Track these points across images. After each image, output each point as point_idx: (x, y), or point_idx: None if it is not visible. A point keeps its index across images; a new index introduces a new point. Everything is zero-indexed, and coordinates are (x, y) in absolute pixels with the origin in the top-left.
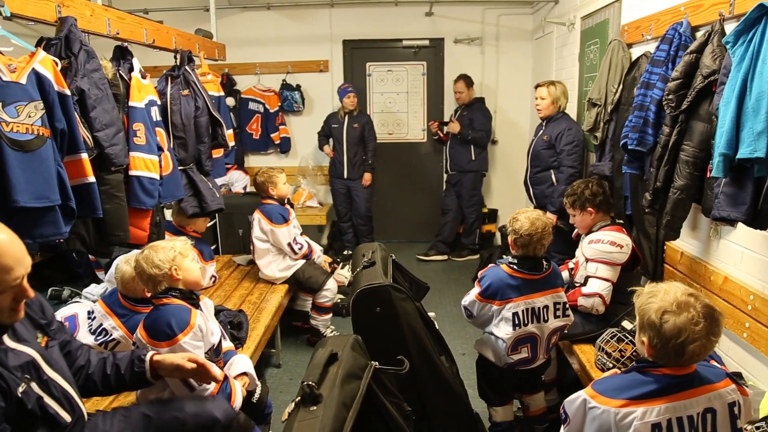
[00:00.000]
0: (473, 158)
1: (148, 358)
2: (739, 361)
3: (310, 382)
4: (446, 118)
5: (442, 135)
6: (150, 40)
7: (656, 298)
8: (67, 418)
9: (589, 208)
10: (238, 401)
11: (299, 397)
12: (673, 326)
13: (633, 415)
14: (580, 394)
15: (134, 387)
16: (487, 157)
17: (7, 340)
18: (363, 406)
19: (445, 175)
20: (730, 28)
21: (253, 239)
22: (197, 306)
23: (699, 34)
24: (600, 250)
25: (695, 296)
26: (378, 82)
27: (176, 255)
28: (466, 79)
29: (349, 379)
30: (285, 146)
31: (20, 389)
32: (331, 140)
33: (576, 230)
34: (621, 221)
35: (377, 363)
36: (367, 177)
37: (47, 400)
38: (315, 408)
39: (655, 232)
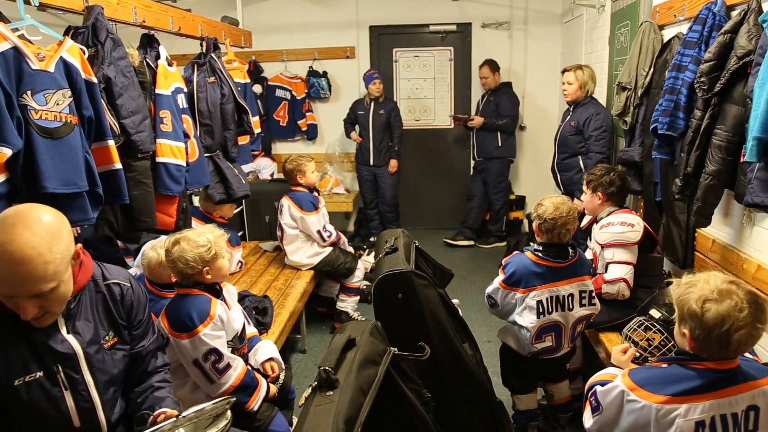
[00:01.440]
0: (500, 144)
1: (158, 411)
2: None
3: (327, 367)
4: (473, 104)
5: (465, 124)
6: (176, 28)
7: (695, 287)
8: (77, 423)
9: (600, 193)
10: (261, 396)
11: (316, 382)
12: (716, 314)
13: (676, 412)
14: (618, 385)
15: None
16: (515, 144)
17: (62, 328)
18: (382, 392)
19: (472, 162)
20: (767, 6)
21: (283, 225)
22: (219, 295)
23: (734, 14)
24: (612, 233)
25: (737, 283)
26: (405, 68)
27: (211, 256)
28: (491, 64)
29: (367, 365)
30: (312, 133)
31: (25, 378)
32: (357, 127)
33: (585, 220)
34: (627, 205)
35: (396, 349)
36: (393, 164)
37: (66, 396)
38: (331, 393)
39: (686, 219)
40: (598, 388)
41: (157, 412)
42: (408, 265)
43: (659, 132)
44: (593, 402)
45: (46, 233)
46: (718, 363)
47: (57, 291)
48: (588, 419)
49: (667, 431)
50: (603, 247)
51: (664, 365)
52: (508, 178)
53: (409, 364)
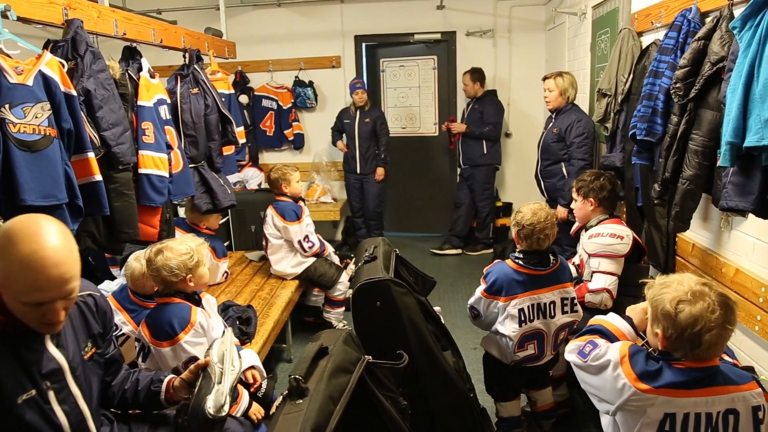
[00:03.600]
0: (485, 152)
1: (166, 380)
2: (752, 355)
3: (297, 376)
4: (459, 112)
5: (453, 137)
6: (158, 40)
7: (669, 288)
8: None
9: (591, 199)
10: (242, 406)
11: (287, 391)
12: (689, 315)
13: (651, 401)
14: (625, 382)
15: (147, 407)
16: (500, 151)
17: (48, 344)
18: (357, 400)
19: (458, 169)
20: (739, 13)
21: (267, 235)
22: (198, 304)
23: (708, 20)
24: (600, 244)
25: (709, 285)
26: (391, 77)
27: (194, 263)
28: (472, 73)
29: (339, 373)
30: (299, 142)
31: (23, 397)
32: (344, 135)
33: (574, 227)
34: (618, 215)
35: (371, 357)
36: (380, 172)
37: (57, 411)
38: (301, 401)
39: (666, 224)
40: (598, 346)
41: (192, 366)
42: (386, 274)
43: (638, 138)
44: (584, 351)
45: (63, 235)
46: (696, 362)
47: (76, 290)
48: (571, 354)
49: (634, 414)
50: (590, 256)
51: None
52: (494, 185)
53: (385, 372)
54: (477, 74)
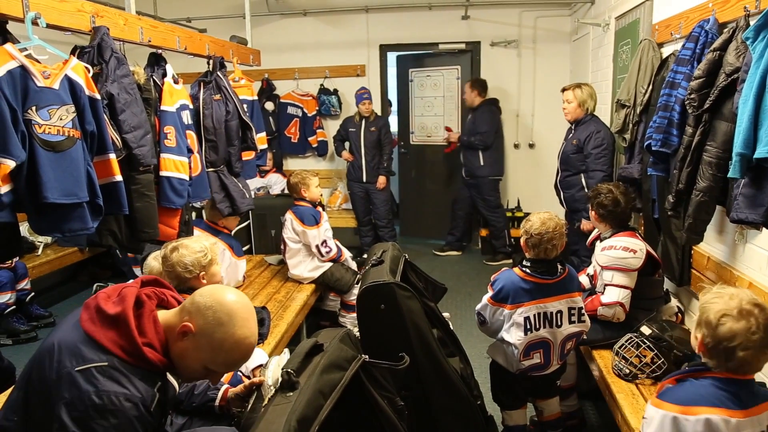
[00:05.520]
0: (482, 163)
1: (223, 388)
2: (764, 371)
3: (289, 370)
4: None
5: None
6: (183, 47)
7: (721, 299)
8: None
9: (593, 213)
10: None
11: (279, 384)
12: (729, 330)
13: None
14: (666, 414)
15: (197, 410)
16: (501, 162)
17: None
18: (355, 399)
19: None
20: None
21: (285, 239)
22: None
23: (724, 31)
24: (613, 257)
25: (761, 307)
26: (418, 87)
27: (208, 261)
28: (473, 83)
29: (332, 369)
30: (322, 149)
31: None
32: (347, 144)
33: (590, 237)
34: (635, 227)
35: (367, 356)
36: (382, 180)
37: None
38: (291, 394)
39: (681, 236)
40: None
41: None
42: (391, 277)
43: (653, 149)
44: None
45: None
46: (732, 373)
47: None
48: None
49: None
50: (603, 268)
51: (687, 380)
52: (499, 195)
53: (383, 372)
54: (477, 83)
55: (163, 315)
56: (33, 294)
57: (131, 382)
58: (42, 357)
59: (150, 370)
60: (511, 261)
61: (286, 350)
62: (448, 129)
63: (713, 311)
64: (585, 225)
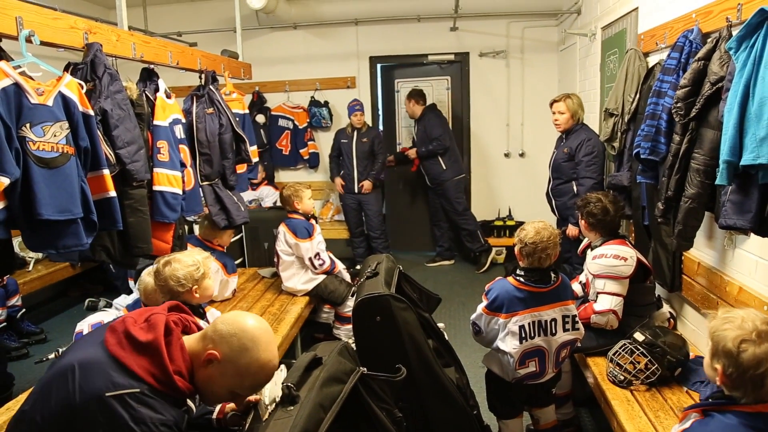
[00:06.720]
0: (444, 168)
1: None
2: None
3: (290, 384)
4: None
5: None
6: (175, 62)
7: (733, 324)
8: None
9: (583, 222)
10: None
11: (279, 399)
12: (753, 356)
13: None
14: None
15: (195, 422)
16: (460, 161)
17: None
18: (353, 412)
19: (429, 190)
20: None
21: (279, 252)
22: (203, 317)
23: (708, 41)
24: (604, 265)
25: None
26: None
27: (200, 275)
28: (410, 96)
29: (331, 383)
30: (314, 161)
31: None
32: (340, 159)
33: (581, 246)
34: (625, 234)
35: (365, 369)
36: (367, 185)
37: None
38: (291, 408)
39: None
40: None
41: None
42: (387, 289)
43: (642, 156)
44: None
45: None
46: (761, 406)
47: None
48: None
49: None
50: (594, 276)
51: (712, 415)
52: (464, 197)
53: (381, 384)
54: (414, 94)
55: (187, 341)
56: (24, 310)
57: (164, 407)
58: (60, 379)
59: (177, 397)
60: (493, 252)
61: (283, 367)
62: (404, 149)
63: (730, 339)
64: (571, 231)
